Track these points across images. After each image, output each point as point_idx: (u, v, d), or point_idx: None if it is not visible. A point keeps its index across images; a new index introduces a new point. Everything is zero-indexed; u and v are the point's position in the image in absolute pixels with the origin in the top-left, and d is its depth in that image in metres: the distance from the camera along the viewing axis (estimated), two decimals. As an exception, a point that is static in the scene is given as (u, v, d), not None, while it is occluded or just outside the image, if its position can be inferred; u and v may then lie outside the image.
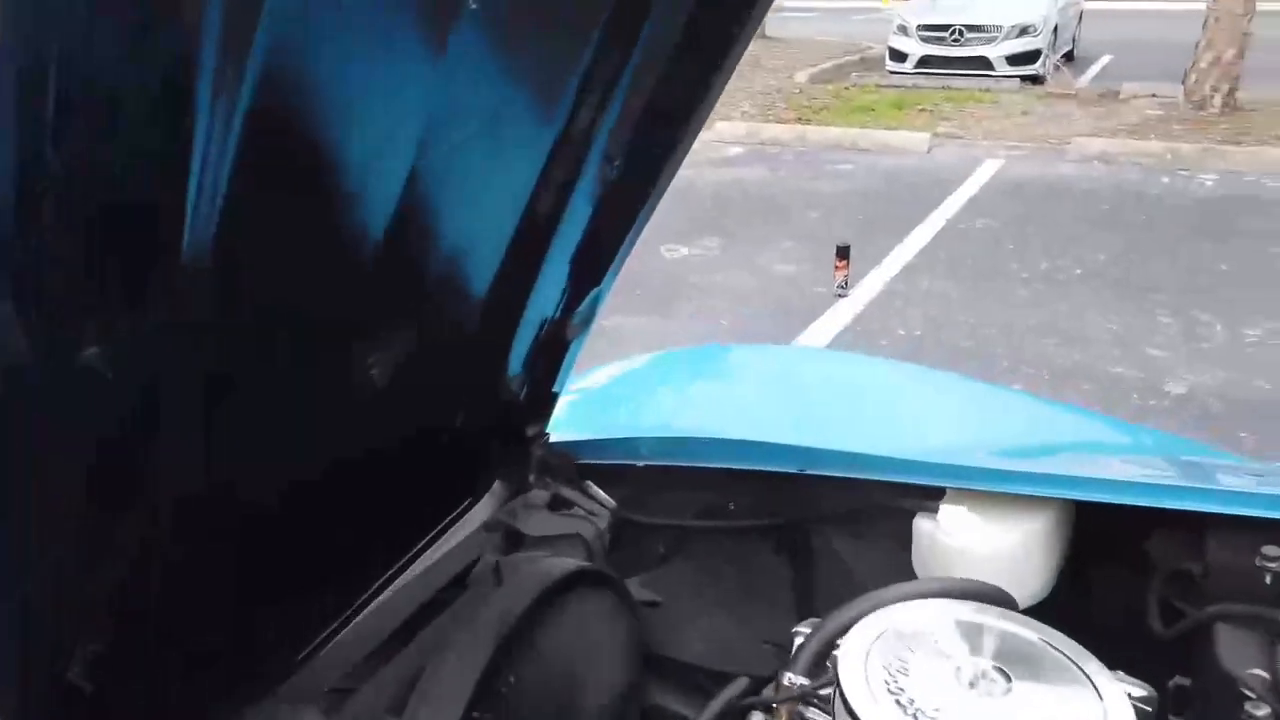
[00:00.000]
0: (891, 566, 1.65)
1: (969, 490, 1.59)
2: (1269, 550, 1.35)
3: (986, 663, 1.02)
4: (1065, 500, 1.60)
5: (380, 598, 1.45)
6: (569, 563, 1.42)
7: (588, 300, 1.60)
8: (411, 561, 1.54)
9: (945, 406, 2.01)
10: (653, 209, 1.48)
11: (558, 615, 1.34)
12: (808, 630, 1.35)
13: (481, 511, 1.72)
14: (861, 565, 1.68)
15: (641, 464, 1.77)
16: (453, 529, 1.65)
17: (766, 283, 5.99)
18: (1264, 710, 1.14)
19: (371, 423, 1.26)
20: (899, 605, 1.15)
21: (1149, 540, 1.58)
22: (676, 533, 1.84)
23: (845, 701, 0.99)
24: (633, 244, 1.54)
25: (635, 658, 1.53)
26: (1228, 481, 1.56)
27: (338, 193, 0.90)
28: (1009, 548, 1.55)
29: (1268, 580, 1.35)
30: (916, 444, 1.74)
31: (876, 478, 1.63)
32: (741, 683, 1.49)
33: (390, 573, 1.50)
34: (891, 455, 1.64)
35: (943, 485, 1.62)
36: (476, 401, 1.60)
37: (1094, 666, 1.02)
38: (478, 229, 1.27)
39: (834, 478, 1.65)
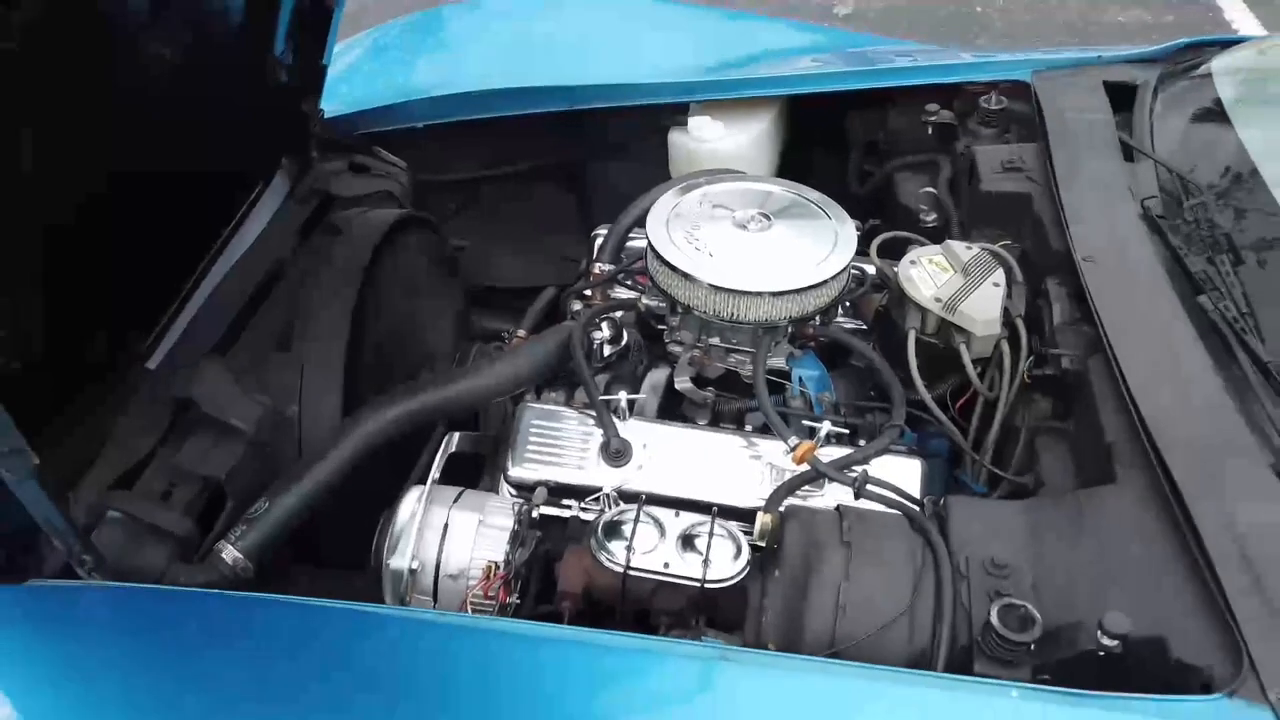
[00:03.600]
0: (654, 180, 1.94)
1: (709, 101, 1.90)
2: (930, 107, 1.77)
3: (754, 211, 1.37)
4: (783, 98, 1.95)
5: (215, 277, 1.57)
6: (394, 211, 1.60)
7: None
8: (225, 243, 1.65)
9: (672, 33, 2.26)
10: None
11: (398, 253, 1.54)
12: (604, 230, 1.65)
13: (274, 194, 1.82)
14: (633, 185, 1.97)
15: (423, 125, 1.91)
16: (253, 212, 1.75)
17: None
18: (932, 216, 1.60)
19: (168, 118, 1.32)
20: (673, 192, 1.46)
21: (846, 121, 1.98)
22: (466, 186, 2.03)
23: (658, 255, 1.31)
24: None
25: (460, 287, 1.78)
26: (899, 62, 1.96)
27: None
28: (747, 143, 1.89)
29: (930, 131, 1.79)
30: (660, 67, 1.99)
31: (634, 103, 1.89)
32: (550, 290, 1.81)
33: (212, 253, 1.61)
34: (643, 82, 1.90)
35: (687, 100, 1.91)
36: (252, 86, 1.65)
37: (833, 209, 1.39)
38: None
39: (602, 110, 1.88)
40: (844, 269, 1.32)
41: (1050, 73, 1.75)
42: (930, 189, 1.61)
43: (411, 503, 1.19)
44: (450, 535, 1.16)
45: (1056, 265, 1.37)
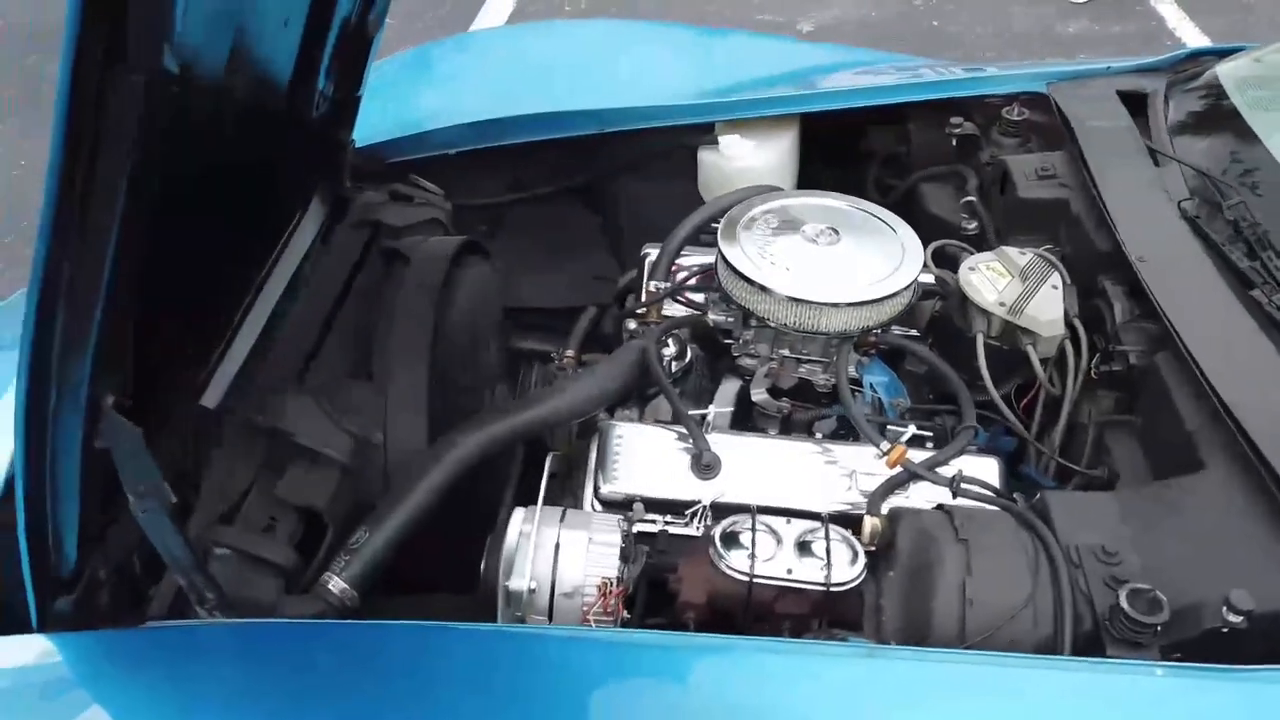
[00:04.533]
0: (679, 198, 1.99)
1: (734, 121, 1.94)
2: (954, 120, 1.84)
3: (823, 225, 1.41)
4: (800, 115, 2.00)
5: (261, 311, 1.56)
6: (454, 238, 1.61)
7: None
8: (267, 276, 1.65)
9: (691, 55, 2.31)
10: None
11: (460, 279, 1.56)
12: (654, 249, 1.68)
13: (310, 225, 1.81)
14: (656, 202, 2.01)
15: (454, 152, 1.92)
16: (290, 244, 1.74)
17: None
18: (973, 224, 1.66)
19: (223, 153, 1.33)
20: (733, 210, 1.49)
21: (864, 135, 2.04)
22: (494, 210, 2.05)
23: (735, 270, 1.35)
24: None
25: (503, 311, 1.80)
26: (917, 77, 2.03)
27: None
28: (773, 159, 1.94)
29: (954, 143, 1.86)
30: (684, 90, 2.03)
31: (660, 124, 1.93)
32: (591, 309, 1.83)
33: (255, 286, 1.60)
34: (669, 104, 1.94)
35: (712, 120, 1.95)
36: (293, 117, 1.65)
37: (895, 221, 1.45)
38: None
39: (626, 132, 1.92)
40: (917, 277, 1.37)
41: (1064, 84, 1.83)
42: (971, 198, 1.67)
43: (519, 524, 1.20)
44: (562, 554, 1.17)
45: (1106, 266, 1.44)
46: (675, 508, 1.27)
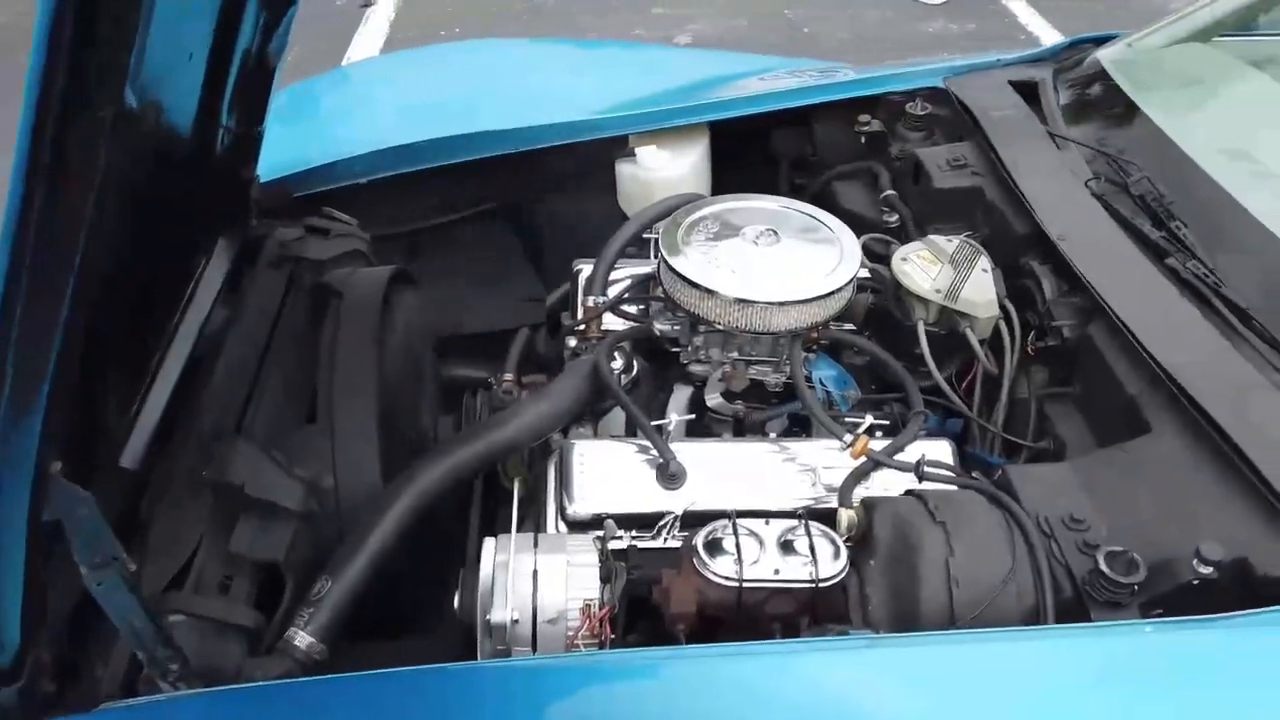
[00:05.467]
0: (599, 212, 1.98)
1: (648, 132, 1.95)
2: (862, 118, 1.89)
3: (762, 227, 1.42)
4: (711, 123, 2.02)
5: (173, 365, 1.47)
6: (381, 270, 1.56)
7: (286, 17, 1.59)
8: (178, 327, 1.56)
9: (588, 70, 2.30)
10: None
11: (397, 310, 1.50)
12: (587, 265, 1.66)
13: (220, 261, 1.72)
14: (577, 218, 2.00)
15: (365, 180, 1.86)
16: (202, 284, 1.65)
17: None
18: (895, 218, 1.70)
19: (135, 200, 1.26)
20: (667, 220, 1.49)
21: (772, 138, 2.08)
22: (412, 238, 1.99)
23: (681, 277, 1.34)
24: None
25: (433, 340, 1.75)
26: (821, 79, 2.08)
27: None
28: (689, 167, 1.95)
29: (863, 140, 1.91)
30: (588, 105, 2.02)
31: (578, 140, 1.91)
32: (524, 331, 1.80)
33: (166, 339, 1.51)
34: (585, 119, 1.93)
35: (626, 133, 1.95)
36: (199, 157, 1.58)
37: (829, 219, 1.47)
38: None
39: (541, 150, 1.90)
40: (858, 270, 1.39)
41: (961, 78, 1.90)
42: (890, 192, 1.72)
43: (492, 554, 1.16)
44: (541, 580, 1.14)
45: (1025, 247, 1.50)
46: (644, 521, 1.25)
